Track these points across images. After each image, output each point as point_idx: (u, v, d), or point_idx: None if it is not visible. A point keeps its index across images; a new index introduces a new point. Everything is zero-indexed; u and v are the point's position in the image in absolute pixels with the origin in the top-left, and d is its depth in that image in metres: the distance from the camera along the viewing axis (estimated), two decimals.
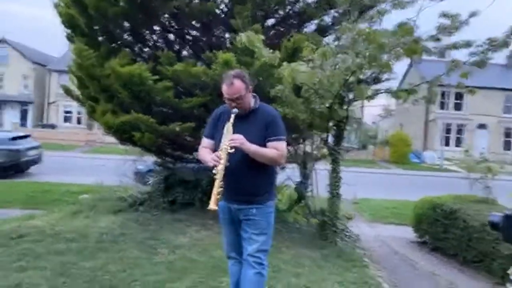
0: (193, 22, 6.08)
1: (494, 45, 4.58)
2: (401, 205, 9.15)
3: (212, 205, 2.38)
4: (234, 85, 2.47)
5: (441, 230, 5.65)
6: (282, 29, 6.21)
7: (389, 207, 9.30)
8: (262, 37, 4.09)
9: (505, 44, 4.55)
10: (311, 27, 6.14)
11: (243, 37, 4.02)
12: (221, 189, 2.40)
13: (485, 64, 4.77)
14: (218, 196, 2.40)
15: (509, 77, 29.00)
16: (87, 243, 4.59)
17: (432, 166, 23.00)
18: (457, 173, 16.37)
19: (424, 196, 6.50)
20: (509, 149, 27.12)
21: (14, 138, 12.52)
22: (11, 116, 32.26)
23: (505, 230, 1.07)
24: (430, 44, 5.03)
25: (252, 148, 2.43)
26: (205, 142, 2.68)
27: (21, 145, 12.26)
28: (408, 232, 6.69)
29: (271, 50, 4.26)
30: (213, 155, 2.44)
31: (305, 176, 6.21)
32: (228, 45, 5.68)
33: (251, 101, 2.60)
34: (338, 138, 5.30)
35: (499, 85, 27.24)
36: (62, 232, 5.02)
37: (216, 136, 2.60)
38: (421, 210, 6.22)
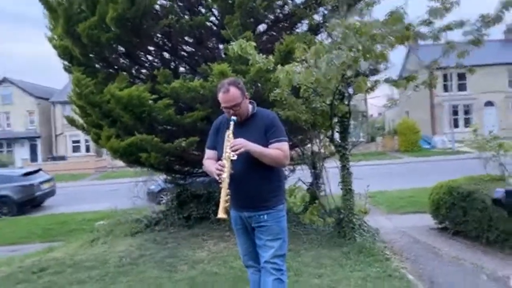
0: (186, 38, 6.14)
1: (488, 21, 4.52)
2: (416, 193, 9.03)
3: (220, 214, 2.36)
4: (230, 92, 2.47)
5: (460, 213, 5.55)
6: (274, 33, 6.24)
7: (404, 197, 9.18)
8: (254, 43, 4.10)
9: (498, 19, 4.49)
10: (302, 27, 6.16)
11: (235, 46, 4.04)
12: (228, 197, 2.39)
13: (481, 42, 4.71)
14: (227, 205, 2.38)
15: (510, 51, 28.66)
16: (107, 269, 4.61)
17: (444, 150, 22.74)
18: (469, 154, 16.13)
19: (439, 181, 6.40)
20: None
21: (26, 174, 12.71)
22: (21, 153, 32.77)
23: (508, 205, 1.06)
24: (424, 29, 5.00)
25: (255, 147, 2.41)
26: (208, 153, 2.69)
27: (34, 179, 12.45)
28: (427, 220, 6.59)
29: (265, 55, 4.27)
30: (216, 164, 2.44)
31: (316, 176, 6.17)
32: (222, 55, 5.72)
33: (249, 107, 2.60)
34: (344, 133, 5.27)
35: (501, 61, 26.91)
36: (82, 261, 5.05)
37: (218, 146, 2.59)
38: (437, 195, 6.13)
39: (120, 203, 8.13)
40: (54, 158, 30.85)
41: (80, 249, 5.86)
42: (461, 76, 26.51)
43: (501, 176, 5.62)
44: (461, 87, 27.65)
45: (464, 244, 5.42)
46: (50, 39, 6.04)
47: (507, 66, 27.65)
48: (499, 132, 20.43)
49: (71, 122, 6.71)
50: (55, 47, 5.92)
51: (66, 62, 6.14)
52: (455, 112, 27.18)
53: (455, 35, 5.16)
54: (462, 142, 22.75)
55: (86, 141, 30.46)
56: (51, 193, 13.10)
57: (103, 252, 5.42)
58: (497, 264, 4.47)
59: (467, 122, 26.89)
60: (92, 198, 13.39)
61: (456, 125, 26.49)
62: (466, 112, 28.01)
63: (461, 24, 4.74)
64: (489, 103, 27.81)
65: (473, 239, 5.36)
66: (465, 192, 5.46)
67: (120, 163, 7.92)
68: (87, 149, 31.97)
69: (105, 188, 16.07)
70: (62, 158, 31.00)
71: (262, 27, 6.23)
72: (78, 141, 32.11)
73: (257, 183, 2.49)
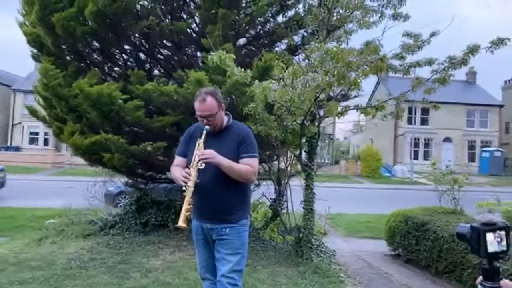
0: (165, 41, 6.08)
1: (454, 63, 4.82)
2: (374, 218, 9.29)
3: (180, 223, 2.31)
4: (206, 102, 2.47)
5: (413, 242, 5.75)
6: (253, 48, 6.31)
7: (363, 221, 9.41)
8: (233, 56, 4.12)
9: (463, 62, 4.79)
10: (281, 46, 6.27)
11: (214, 57, 4.05)
12: (191, 206, 2.35)
13: (447, 81, 5.00)
14: (188, 214, 2.34)
15: (470, 92, 30.64)
16: (53, 271, 4.37)
17: (403, 179, 23.61)
18: (426, 185, 16.87)
19: (396, 210, 6.62)
20: (473, 161, 28.30)
21: None
22: None
23: (472, 241, 1.11)
24: (395, 62, 5.25)
25: (224, 161, 2.40)
26: (177, 160, 2.65)
27: None
28: (382, 246, 6.78)
29: (243, 69, 4.31)
30: (183, 171, 2.41)
31: (280, 193, 6.22)
32: (200, 63, 5.70)
33: (224, 118, 2.60)
34: (311, 154, 5.37)
35: (461, 100, 28.71)
36: (27, 260, 4.77)
37: (188, 154, 2.56)
38: (393, 223, 6.33)
39: (75, 202, 7.78)
40: (8, 148, 29.16)
41: (26, 247, 5.53)
42: (425, 111, 27.91)
43: (454, 210, 5.91)
44: (424, 122, 29.12)
45: (414, 272, 5.61)
46: (21, 25, 5.78)
47: (466, 106, 29.52)
48: (454, 167, 21.49)
49: (33, 112, 6.40)
50: (25, 33, 5.66)
51: (35, 50, 5.89)
52: (416, 144, 28.45)
53: (423, 72, 5.47)
54: (420, 173, 23.80)
55: (46, 133, 28.99)
56: (0, 184, 12.32)
57: (51, 253, 5.14)
58: None
59: (426, 155, 28.22)
60: (45, 194, 12.72)
61: (416, 156, 27.69)
62: (426, 145, 29.42)
63: (430, 62, 5.02)
64: (447, 139, 29.40)
65: (423, 268, 5.56)
66: (419, 222, 5.67)
67: (80, 160, 7.58)
68: (45, 142, 30.42)
69: (61, 185, 15.33)
70: (17, 149, 29.36)
71: (242, 41, 6.29)
72: (36, 133, 30.51)
73: (223, 195, 2.48)
